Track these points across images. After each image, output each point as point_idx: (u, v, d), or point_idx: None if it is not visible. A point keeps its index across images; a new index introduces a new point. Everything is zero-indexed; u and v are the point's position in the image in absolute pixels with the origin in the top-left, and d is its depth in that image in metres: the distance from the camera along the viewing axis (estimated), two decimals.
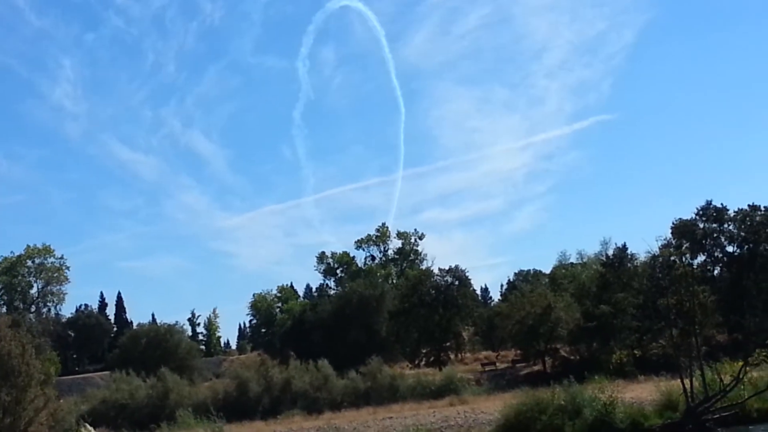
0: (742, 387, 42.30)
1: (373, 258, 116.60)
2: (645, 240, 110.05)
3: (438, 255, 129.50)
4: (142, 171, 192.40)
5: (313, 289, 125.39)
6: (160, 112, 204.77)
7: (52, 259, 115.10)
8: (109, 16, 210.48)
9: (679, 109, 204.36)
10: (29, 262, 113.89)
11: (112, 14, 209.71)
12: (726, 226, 77.85)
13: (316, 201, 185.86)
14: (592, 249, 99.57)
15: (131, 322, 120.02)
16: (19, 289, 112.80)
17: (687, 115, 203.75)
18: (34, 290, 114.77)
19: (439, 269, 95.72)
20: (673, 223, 78.77)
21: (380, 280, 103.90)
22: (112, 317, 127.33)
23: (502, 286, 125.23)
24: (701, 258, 77.93)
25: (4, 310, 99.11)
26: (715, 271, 76.62)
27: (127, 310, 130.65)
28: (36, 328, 50.53)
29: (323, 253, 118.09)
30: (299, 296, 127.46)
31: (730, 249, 77.87)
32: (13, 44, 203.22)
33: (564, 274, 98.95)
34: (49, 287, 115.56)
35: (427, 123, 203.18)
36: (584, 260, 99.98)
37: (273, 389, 61.80)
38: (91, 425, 37.73)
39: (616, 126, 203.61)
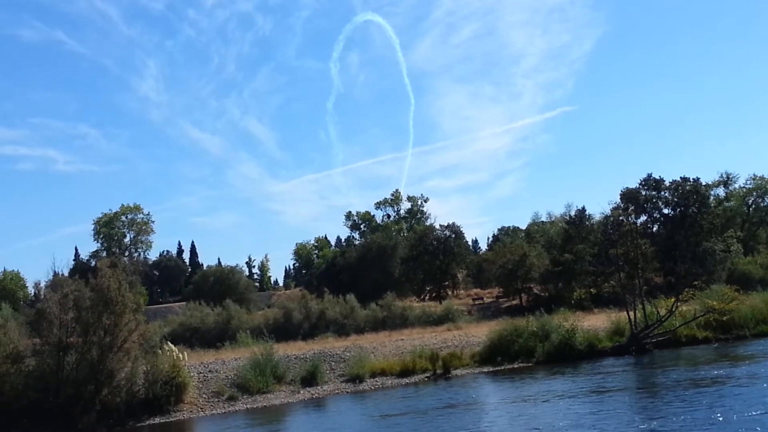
0: (674, 318, 42.14)
1: (388, 216, 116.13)
2: (599, 204, 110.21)
3: (439, 214, 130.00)
4: (209, 148, 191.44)
5: (342, 240, 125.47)
6: (223, 102, 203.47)
7: (141, 215, 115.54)
8: (183, 27, 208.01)
9: (627, 101, 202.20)
10: (123, 218, 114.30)
11: (186, 26, 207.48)
12: (663, 193, 77.28)
13: (343, 172, 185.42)
14: (558, 210, 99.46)
15: (202, 264, 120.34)
16: (115, 238, 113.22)
17: (632, 106, 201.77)
18: (127, 239, 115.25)
19: (440, 225, 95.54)
20: (621, 191, 78.01)
21: (394, 233, 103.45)
22: (187, 260, 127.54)
23: (488, 238, 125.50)
24: (643, 218, 77.30)
25: (104, 254, 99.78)
26: (654, 228, 76.04)
27: (198, 255, 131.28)
28: (129, 268, 50.18)
29: (350, 212, 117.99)
30: (331, 245, 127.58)
31: (666, 211, 77.31)
32: (108, 49, 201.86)
33: (536, 230, 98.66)
34: (138, 237, 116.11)
35: (431, 112, 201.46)
36: (552, 219, 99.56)
37: (311, 317, 61.87)
38: (171, 343, 37.65)
39: (578, 115, 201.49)
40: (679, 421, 20.81)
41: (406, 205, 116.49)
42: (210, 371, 37.83)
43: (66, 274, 37.99)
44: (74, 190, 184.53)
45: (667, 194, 77.27)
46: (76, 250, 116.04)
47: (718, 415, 21.04)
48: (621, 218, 70.81)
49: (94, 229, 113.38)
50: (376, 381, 37.41)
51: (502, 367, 39.05)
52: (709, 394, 24.84)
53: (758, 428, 18.53)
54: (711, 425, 19.59)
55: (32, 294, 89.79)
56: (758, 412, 20.71)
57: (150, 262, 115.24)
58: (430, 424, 24.77)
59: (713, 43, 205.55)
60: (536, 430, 21.69)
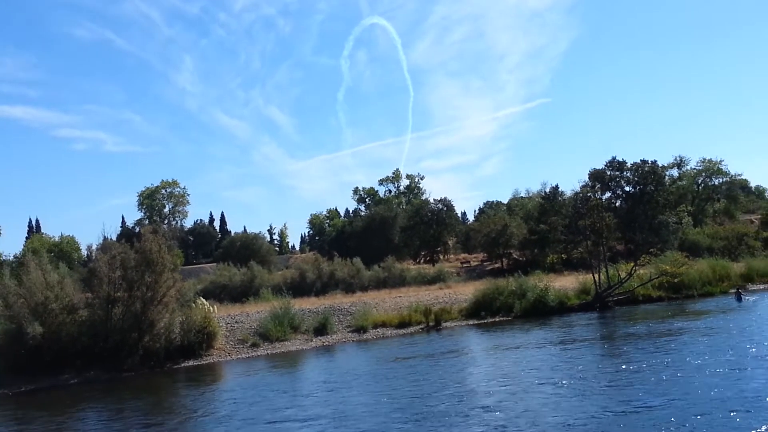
0: (632, 280, 42.17)
1: (390, 191, 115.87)
2: (570, 182, 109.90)
3: (432, 190, 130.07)
4: (237, 132, 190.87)
5: (350, 212, 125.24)
6: (249, 93, 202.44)
7: (178, 189, 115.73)
8: (215, 28, 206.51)
9: (596, 93, 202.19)
10: (163, 191, 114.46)
11: (218, 27, 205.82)
12: (624, 173, 77.19)
13: (352, 153, 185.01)
14: (535, 187, 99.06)
15: (230, 231, 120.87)
16: (156, 208, 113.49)
17: (601, 98, 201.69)
18: (166, 209, 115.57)
19: (433, 200, 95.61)
20: (589, 171, 78.16)
21: (394, 206, 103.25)
22: (217, 228, 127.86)
23: (475, 211, 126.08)
24: (608, 194, 77.45)
25: (146, 222, 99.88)
26: (617, 203, 76.00)
27: (227, 223, 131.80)
28: (167, 234, 50.03)
29: (357, 188, 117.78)
30: (341, 216, 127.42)
31: (627, 189, 77.26)
32: (151, 46, 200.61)
33: (516, 204, 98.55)
34: (176, 208, 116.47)
35: (427, 102, 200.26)
36: (530, 195, 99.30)
37: (323, 277, 62.02)
38: (203, 298, 37.76)
39: (553, 106, 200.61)
40: (635, 365, 20.95)
41: (405, 182, 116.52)
42: (236, 322, 37.94)
43: (114, 238, 37.78)
44: (121, 167, 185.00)
45: (628, 174, 77.18)
46: (123, 218, 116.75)
47: (668, 359, 21.28)
48: (589, 194, 70.84)
49: (138, 201, 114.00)
50: (378, 331, 37.50)
51: (486, 321, 39.12)
52: (661, 343, 24.93)
53: (701, 370, 18.63)
54: (665, 367, 19.69)
55: (85, 255, 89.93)
56: (702, 358, 20.85)
57: (186, 229, 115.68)
58: (428, 367, 24.81)
59: (669, 45, 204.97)
60: (516, 372, 21.66)
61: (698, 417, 13.97)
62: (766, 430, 12.69)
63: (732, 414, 14.02)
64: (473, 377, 21.91)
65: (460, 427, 15.38)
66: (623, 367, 21.03)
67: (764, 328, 26.82)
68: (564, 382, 19.50)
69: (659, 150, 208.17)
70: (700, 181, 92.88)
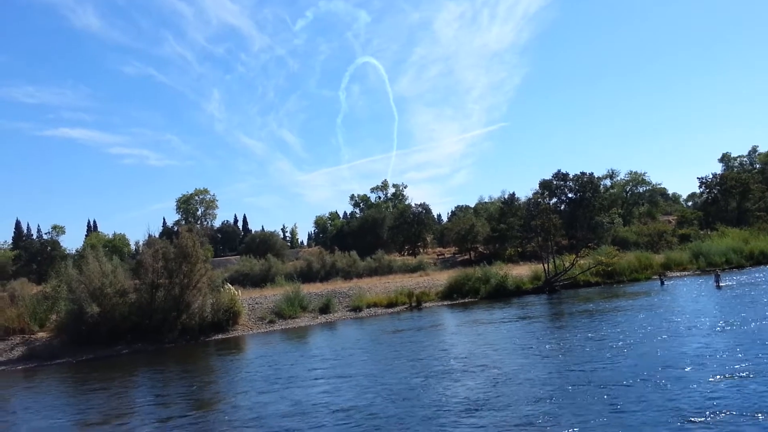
0: (575, 269, 42.44)
1: (379, 198, 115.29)
2: (525, 190, 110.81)
3: (414, 197, 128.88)
4: (255, 150, 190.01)
5: (348, 214, 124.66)
6: (265, 118, 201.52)
7: (208, 196, 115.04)
8: (237, 66, 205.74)
9: (544, 118, 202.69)
10: (196, 198, 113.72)
11: (239, 65, 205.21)
12: (567, 183, 77.67)
13: (348, 167, 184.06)
14: (496, 194, 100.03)
15: (251, 230, 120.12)
16: (191, 212, 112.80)
17: (547, 122, 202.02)
18: (199, 212, 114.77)
19: (414, 204, 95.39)
20: (539, 181, 78.87)
21: (383, 209, 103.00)
22: (240, 227, 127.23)
23: (448, 213, 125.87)
24: (554, 200, 77.83)
25: (183, 223, 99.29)
26: (562, 207, 76.35)
27: (248, 223, 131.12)
28: (200, 232, 49.99)
29: (353, 194, 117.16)
30: (340, 217, 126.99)
31: (570, 195, 77.63)
32: (186, 80, 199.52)
33: (481, 208, 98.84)
34: (207, 211, 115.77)
35: (409, 126, 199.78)
36: (492, 200, 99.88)
37: (326, 266, 61.93)
38: (229, 284, 37.62)
39: (510, 129, 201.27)
40: (577, 335, 21.14)
41: (391, 190, 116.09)
42: (256, 303, 37.87)
43: (156, 236, 37.64)
44: (162, 178, 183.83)
45: (570, 183, 77.67)
46: (164, 219, 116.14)
47: (598, 332, 21.43)
48: (539, 200, 71.40)
49: (175, 205, 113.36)
50: (371, 310, 37.55)
51: (457, 302, 39.29)
52: (597, 318, 25.13)
53: (626, 337, 18.82)
54: (597, 342, 19.79)
55: (133, 249, 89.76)
56: (629, 328, 21.09)
57: (215, 228, 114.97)
58: (414, 337, 24.87)
59: (601, 78, 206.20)
60: (483, 342, 21.74)
61: (643, 375, 14.09)
62: (702, 383, 12.86)
63: (673, 371, 14.16)
64: (450, 344, 22.00)
65: (446, 380, 15.55)
66: (567, 336, 21.22)
67: (684, 305, 27.10)
68: (524, 347, 19.72)
69: (595, 164, 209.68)
70: (628, 189, 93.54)
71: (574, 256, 44.57)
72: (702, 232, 64.77)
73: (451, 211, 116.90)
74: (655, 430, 10.13)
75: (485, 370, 16.64)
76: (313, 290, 41.74)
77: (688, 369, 14.24)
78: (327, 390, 16.02)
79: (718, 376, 13.26)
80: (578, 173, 77.42)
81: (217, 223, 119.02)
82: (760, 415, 10.39)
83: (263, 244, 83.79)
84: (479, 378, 15.65)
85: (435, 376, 16.54)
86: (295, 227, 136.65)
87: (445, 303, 39.19)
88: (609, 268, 43.10)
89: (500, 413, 12.11)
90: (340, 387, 16.32)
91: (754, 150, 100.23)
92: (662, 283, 38.56)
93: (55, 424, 15.51)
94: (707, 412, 10.77)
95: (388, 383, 16.19)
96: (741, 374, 13.24)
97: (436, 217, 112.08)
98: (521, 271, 45.92)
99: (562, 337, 21.45)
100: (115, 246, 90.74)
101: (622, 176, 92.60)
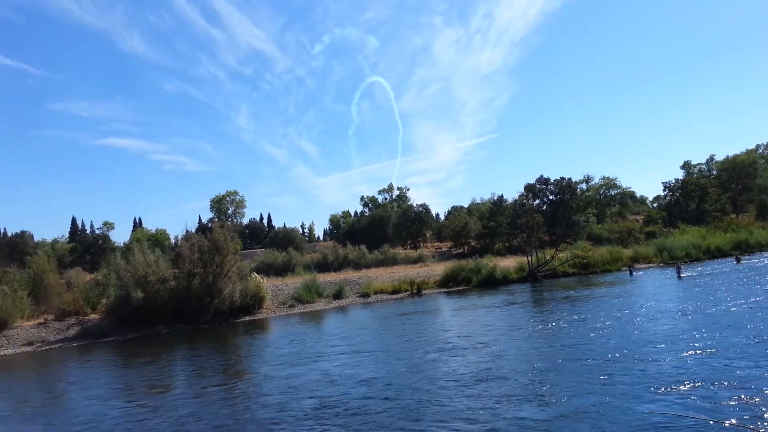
0: (555, 261, 42.21)
1: (385, 199, 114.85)
2: (511, 193, 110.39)
3: (415, 198, 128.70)
4: (278, 157, 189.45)
5: (358, 213, 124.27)
6: (287, 129, 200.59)
7: (238, 197, 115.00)
8: (263, 84, 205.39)
9: (529, 131, 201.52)
10: (227, 198, 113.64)
11: (265, 83, 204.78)
12: (549, 186, 77.18)
13: (359, 172, 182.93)
14: (486, 196, 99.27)
15: (274, 226, 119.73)
16: (222, 210, 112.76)
17: (532, 134, 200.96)
18: (229, 211, 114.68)
19: (416, 205, 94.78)
20: (525, 185, 78.24)
21: (389, 209, 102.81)
22: (265, 224, 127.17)
23: (445, 212, 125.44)
24: (537, 201, 77.34)
25: (216, 220, 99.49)
26: (544, 207, 75.90)
27: (272, 220, 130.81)
28: (231, 228, 50.19)
29: (362, 196, 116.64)
30: (351, 216, 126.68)
31: (551, 197, 77.18)
32: (218, 96, 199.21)
33: (474, 208, 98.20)
34: (236, 210, 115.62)
35: (411, 137, 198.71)
36: (483, 201, 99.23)
37: (339, 258, 61.87)
38: (255, 273, 37.61)
39: (500, 140, 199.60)
40: (561, 317, 20.96)
41: (396, 192, 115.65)
42: (279, 290, 37.84)
43: (193, 231, 37.63)
44: (197, 182, 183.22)
45: (551, 187, 77.16)
46: (199, 217, 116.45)
47: (578, 315, 21.24)
48: (524, 201, 70.95)
49: (209, 205, 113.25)
50: (377, 296, 37.46)
51: (452, 289, 39.17)
52: (577, 303, 24.95)
53: (605, 319, 18.62)
54: (579, 323, 19.66)
55: (173, 243, 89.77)
56: (606, 312, 20.92)
57: (243, 225, 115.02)
58: (417, 320, 24.77)
59: (580, 96, 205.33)
60: (480, 323, 21.62)
61: (623, 351, 14.00)
62: (674, 357, 12.83)
63: (649, 347, 14.12)
64: (452, 325, 21.87)
65: (453, 355, 15.44)
66: (549, 319, 21.05)
67: (652, 292, 26.88)
68: (516, 328, 19.60)
69: (573, 170, 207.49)
70: (601, 192, 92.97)
71: (554, 250, 44.39)
72: (666, 230, 64.36)
73: (448, 211, 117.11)
74: (639, 396, 10.19)
75: (486, 346, 16.55)
76: (327, 279, 41.71)
77: (661, 346, 14.17)
78: (349, 363, 15.96)
79: (688, 352, 13.22)
80: (558, 178, 77.08)
81: (245, 221, 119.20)
82: (725, 383, 10.49)
83: (285, 239, 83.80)
84: (482, 353, 15.57)
85: (442, 351, 16.48)
86: (313, 224, 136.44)
87: (442, 290, 39.04)
88: (584, 261, 42.89)
89: (505, 382, 12.11)
90: (360, 361, 16.25)
91: (711, 158, 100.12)
92: (631, 274, 38.33)
93: (107, 393, 15.49)
94: (681, 381, 10.85)
95: (402, 357, 16.14)
96: (707, 350, 13.22)
97: (434, 215, 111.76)
98: (508, 263, 45.75)
99: (549, 319, 21.31)
100: (157, 240, 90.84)
101: (596, 181, 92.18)
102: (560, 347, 15.40)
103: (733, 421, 8.42)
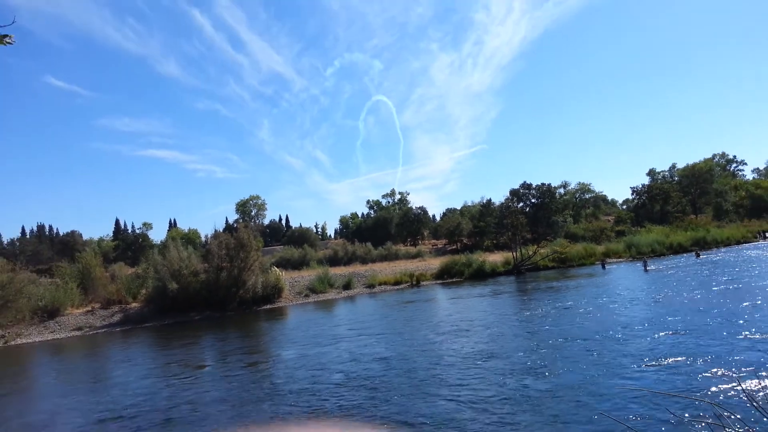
0: (536, 256, 41.93)
1: (389, 202, 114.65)
2: (498, 197, 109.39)
3: (415, 202, 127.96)
4: (295, 166, 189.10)
5: (365, 215, 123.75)
6: (303, 142, 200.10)
7: (260, 200, 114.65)
8: (282, 102, 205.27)
9: (514, 142, 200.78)
10: (251, 202, 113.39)
11: (284, 101, 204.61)
12: (531, 191, 77.01)
13: (365, 179, 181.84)
14: (477, 200, 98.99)
15: (292, 226, 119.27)
16: (247, 212, 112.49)
17: (517, 145, 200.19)
18: (253, 213, 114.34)
19: (415, 207, 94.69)
20: (510, 190, 78.18)
21: (391, 211, 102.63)
22: (284, 224, 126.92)
23: (441, 214, 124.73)
24: (521, 204, 77.05)
25: (241, 221, 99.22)
26: (527, 210, 75.63)
27: (290, 221, 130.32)
28: (254, 228, 50.10)
29: (369, 200, 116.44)
30: (359, 217, 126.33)
31: (533, 200, 76.96)
32: (243, 113, 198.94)
33: (466, 210, 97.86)
34: (259, 212, 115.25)
35: (411, 148, 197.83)
36: (474, 204, 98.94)
37: (348, 254, 61.70)
38: (275, 267, 37.45)
39: (489, 150, 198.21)
40: (540, 306, 20.83)
41: (397, 197, 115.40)
42: (295, 281, 37.70)
43: (221, 230, 37.54)
44: (225, 188, 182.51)
45: (533, 191, 76.99)
46: (226, 218, 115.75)
47: (561, 303, 21.17)
48: (509, 204, 70.64)
49: (235, 208, 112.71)
50: (382, 287, 37.27)
51: (447, 281, 38.95)
52: (555, 294, 24.83)
53: (585, 306, 18.56)
54: (563, 309, 19.58)
55: (204, 241, 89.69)
56: (585, 300, 20.80)
57: (264, 225, 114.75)
58: (420, 307, 24.65)
59: (558, 112, 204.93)
60: (476, 309, 21.48)
61: (606, 333, 13.90)
62: (651, 337, 12.80)
63: (628, 330, 14.07)
64: (452, 312, 21.76)
65: (457, 337, 15.37)
66: (532, 307, 20.92)
67: (623, 283, 26.71)
68: (509, 314, 19.49)
69: (552, 176, 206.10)
70: (577, 195, 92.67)
71: (536, 246, 44.18)
72: (633, 229, 64.12)
73: (443, 213, 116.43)
74: (624, 371, 10.24)
75: (485, 329, 16.54)
76: (338, 272, 41.56)
77: (638, 328, 14.12)
78: (366, 344, 15.94)
79: (662, 333, 13.22)
80: (539, 184, 76.98)
81: (266, 221, 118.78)
82: (699, 360, 10.46)
83: (301, 237, 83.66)
84: (482, 335, 15.57)
85: (446, 333, 16.46)
86: (325, 224, 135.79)
87: (438, 282, 38.87)
88: (563, 256, 42.68)
89: (506, 360, 12.14)
90: (377, 341, 16.24)
91: (673, 166, 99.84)
92: (603, 267, 38.13)
93: (153, 371, 15.39)
94: (658, 357, 10.86)
95: (412, 338, 16.14)
96: (678, 332, 13.19)
97: (431, 216, 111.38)
98: (496, 258, 45.62)
99: (535, 306, 21.23)
100: (190, 238, 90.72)
101: (573, 186, 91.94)
102: (550, 328, 15.40)
103: (702, 395, 8.29)
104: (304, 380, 11.97)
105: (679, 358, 10.64)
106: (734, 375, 9.13)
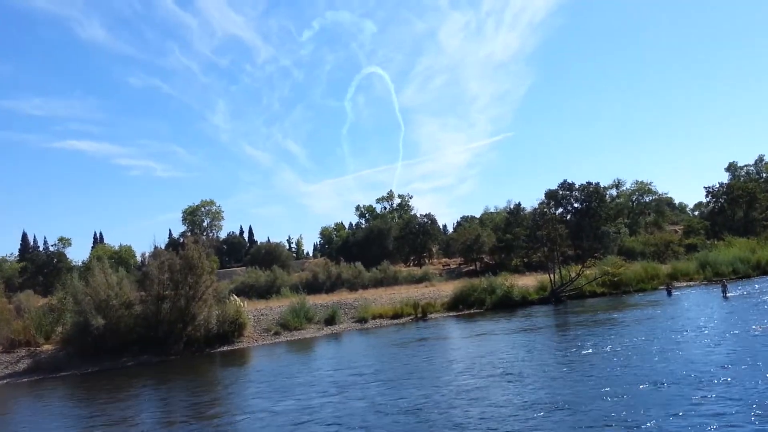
0: (581, 279, 42.12)
1: (385, 208, 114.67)
2: (530, 200, 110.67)
3: (419, 207, 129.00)
4: (261, 161, 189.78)
5: (353, 225, 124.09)
6: (271, 129, 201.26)
7: (214, 207, 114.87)
8: (242, 77, 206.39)
9: (550, 128, 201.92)
10: (202, 209, 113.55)
11: (244, 76, 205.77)
12: (573, 193, 77.36)
13: (354, 178, 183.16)
14: (501, 204, 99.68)
15: (256, 241, 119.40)
16: (197, 223, 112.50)
17: (553, 132, 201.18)
18: (205, 223, 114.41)
19: (420, 215, 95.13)
20: (545, 191, 78.43)
21: (389, 220, 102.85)
22: (246, 238, 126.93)
23: (453, 223, 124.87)
24: (560, 210, 77.48)
25: (189, 234, 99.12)
26: (567, 217, 75.94)
27: (254, 234, 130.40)
28: (206, 243, 49.88)
29: (358, 205, 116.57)
30: (346, 228, 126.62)
31: (576, 205, 77.30)
32: (191, 91, 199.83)
33: (486, 218, 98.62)
34: (213, 222, 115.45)
35: (414, 136, 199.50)
36: (497, 210, 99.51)
37: (331, 277, 61.69)
38: (235, 295, 37.51)
39: (515, 139, 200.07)
40: (583, 345, 20.95)
41: (397, 201, 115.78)
42: (262, 315, 37.70)
43: (162, 247, 37.50)
44: (168, 190, 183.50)
45: (576, 193, 77.39)
46: (170, 231, 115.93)
47: (610, 341, 21.29)
48: (545, 210, 71.22)
49: (182, 216, 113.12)
50: (376, 321, 37.29)
51: (463, 312, 38.95)
52: (604, 328, 24.94)
53: (643, 348, 18.63)
54: (608, 348, 19.60)
55: (139, 261, 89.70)
56: (636, 339, 20.99)
57: (220, 239, 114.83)
58: (419, 350, 24.64)
59: (608, 87, 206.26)
60: (489, 353, 21.55)
61: (675, 384, 13.94)
62: (742, 385, 13.16)
63: (705, 378, 14.18)
64: (458, 356, 21.76)
65: (490, 379, 15.40)
66: (574, 346, 20.96)
67: (693, 315, 26.76)
68: (552, 356, 19.55)
69: (601, 173, 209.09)
70: (634, 198, 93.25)
71: (580, 266, 44.30)
72: (709, 242, 64.34)
73: (457, 222, 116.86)
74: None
75: (527, 376, 16.89)
76: (318, 301, 41.51)
77: (715, 381, 14.18)
78: (373, 401, 15.93)
79: (759, 381, 13.45)
80: (584, 183, 77.24)
81: (222, 234, 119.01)
82: None
83: (269, 255, 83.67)
84: (525, 382, 16.10)
85: (484, 377, 17.22)
86: (301, 238, 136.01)
87: (451, 314, 38.85)
88: (615, 279, 42.75)
89: (570, 412, 12.63)
90: (387, 391, 16.69)
91: (760, 159, 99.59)
92: (669, 294, 38.25)
93: None
94: (747, 412, 11.14)
95: (444, 384, 16.85)
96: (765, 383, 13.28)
97: (441, 227, 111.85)
98: (527, 281, 45.57)
99: (581, 346, 21.16)
100: (121, 257, 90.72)
101: (628, 186, 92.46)
102: (608, 376, 15.65)
103: None
104: None
105: None
106: None
